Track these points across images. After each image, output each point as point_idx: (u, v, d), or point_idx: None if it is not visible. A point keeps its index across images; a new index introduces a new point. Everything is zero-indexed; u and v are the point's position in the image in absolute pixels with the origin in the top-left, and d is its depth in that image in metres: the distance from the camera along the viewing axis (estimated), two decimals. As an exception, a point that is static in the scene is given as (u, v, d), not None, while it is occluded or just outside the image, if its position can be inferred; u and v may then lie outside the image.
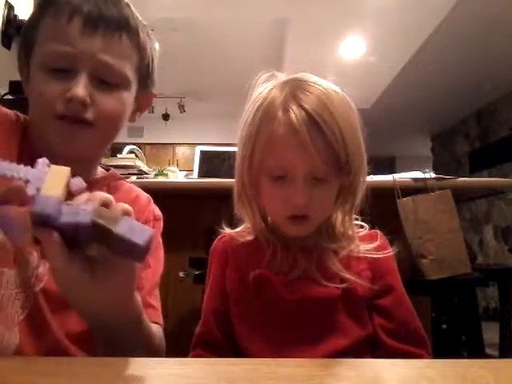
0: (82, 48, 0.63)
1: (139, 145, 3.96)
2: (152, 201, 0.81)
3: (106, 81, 0.66)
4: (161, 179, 2.03)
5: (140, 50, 0.70)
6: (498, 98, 4.93)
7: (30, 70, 0.67)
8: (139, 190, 0.82)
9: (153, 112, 5.78)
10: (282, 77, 0.68)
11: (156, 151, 6.67)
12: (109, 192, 0.73)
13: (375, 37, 3.88)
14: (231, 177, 0.70)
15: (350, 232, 0.69)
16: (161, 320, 0.72)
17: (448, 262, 1.52)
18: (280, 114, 0.62)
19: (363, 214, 0.71)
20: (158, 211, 0.80)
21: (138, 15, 0.70)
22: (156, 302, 0.73)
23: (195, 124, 6.36)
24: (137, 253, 0.44)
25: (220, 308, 0.69)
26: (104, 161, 1.91)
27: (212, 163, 2.13)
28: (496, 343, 2.16)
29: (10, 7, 2.50)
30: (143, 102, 0.79)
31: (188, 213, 1.99)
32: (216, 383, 0.41)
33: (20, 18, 2.51)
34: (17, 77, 0.73)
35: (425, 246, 1.53)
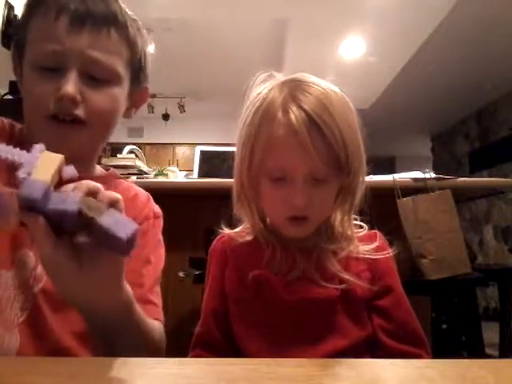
0: (69, 45, 0.63)
1: (139, 145, 3.97)
2: (151, 198, 0.81)
3: (96, 77, 0.66)
4: (161, 179, 2.03)
5: (130, 44, 0.69)
6: (497, 98, 4.93)
7: (23, 69, 0.68)
8: (138, 188, 0.82)
9: (153, 112, 5.79)
10: (280, 77, 0.68)
11: (156, 151, 6.68)
12: (107, 189, 0.74)
13: (375, 37, 3.88)
14: (231, 177, 0.70)
15: (349, 232, 0.69)
16: (161, 316, 0.71)
17: (448, 262, 1.52)
18: (280, 115, 0.62)
19: (363, 214, 0.71)
20: (157, 208, 0.80)
21: (126, 10, 0.70)
22: (157, 298, 0.72)
23: (195, 124, 6.37)
24: (120, 246, 0.44)
25: (219, 308, 0.68)
26: (104, 161, 1.92)
27: (212, 163, 2.13)
28: (496, 343, 2.16)
29: (9, 7, 2.50)
30: (138, 97, 0.78)
31: (188, 213, 1.99)
32: (216, 383, 0.41)
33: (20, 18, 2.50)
34: (17, 77, 0.73)
35: (425, 246, 1.53)
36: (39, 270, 0.63)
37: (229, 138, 0.71)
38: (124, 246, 0.44)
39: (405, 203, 1.58)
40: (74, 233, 0.46)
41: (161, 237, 0.79)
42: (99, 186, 0.48)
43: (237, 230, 0.73)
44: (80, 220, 0.43)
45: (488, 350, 2.05)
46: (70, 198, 0.43)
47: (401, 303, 0.67)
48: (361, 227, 0.72)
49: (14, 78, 0.73)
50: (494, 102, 5.05)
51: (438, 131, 6.43)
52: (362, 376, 0.43)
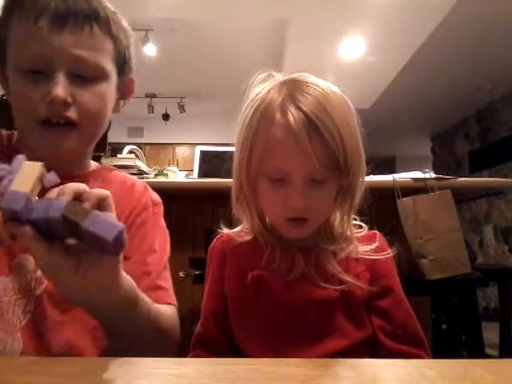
0: (53, 46, 0.62)
1: (139, 145, 3.97)
2: (148, 187, 0.81)
3: (84, 76, 0.65)
4: (161, 179, 2.03)
5: (113, 38, 0.69)
6: (497, 98, 4.93)
7: (6, 72, 0.67)
8: (134, 178, 0.82)
9: (153, 112, 5.79)
10: (280, 77, 0.68)
11: (156, 151, 6.67)
12: (103, 184, 0.74)
13: (375, 37, 3.88)
14: (231, 177, 0.70)
15: (349, 233, 0.69)
16: (173, 300, 0.71)
17: (448, 262, 1.52)
18: (278, 116, 0.61)
19: (362, 214, 0.71)
20: (155, 196, 0.80)
21: (106, 4, 0.69)
22: (166, 283, 0.72)
23: (195, 124, 6.36)
24: (107, 247, 0.44)
25: (219, 308, 0.68)
26: (104, 161, 1.91)
27: (212, 163, 2.13)
28: (496, 343, 2.16)
29: None
30: (125, 89, 0.77)
31: (188, 213, 1.99)
32: (216, 383, 0.41)
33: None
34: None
35: (425, 246, 1.53)
36: (40, 272, 0.63)
37: (229, 138, 0.71)
38: (111, 247, 0.44)
39: (405, 203, 1.58)
40: (64, 237, 0.46)
41: (163, 223, 0.78)
42: (84, 186, 0.48)
43: (236, 229, 0.73)
44: (66, 225, 0.44)
45: (488, 350, 2.05)
46: (54, 205, 0.44)
47: (400, 304, 0.67)
48: (360, 227, 0.72)
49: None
50: (493, 102, 5.05)
51: (438, 131, 6.43)
52: (362, 376, 0.43)
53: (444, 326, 2.15)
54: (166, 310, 0.67)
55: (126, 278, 0.54)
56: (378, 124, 4.58)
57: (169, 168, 2.24)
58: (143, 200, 0.77)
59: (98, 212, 0.45)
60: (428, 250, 1.53)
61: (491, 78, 4.39)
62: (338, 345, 0.62)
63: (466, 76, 4.36)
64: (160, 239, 0.75)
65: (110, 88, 0.70)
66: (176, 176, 2.17)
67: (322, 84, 0.64)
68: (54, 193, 0.46)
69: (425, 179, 1.67)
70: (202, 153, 2.18)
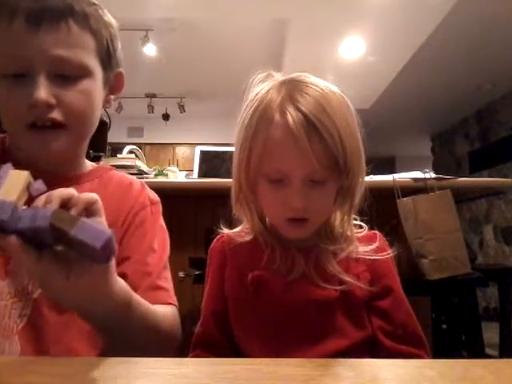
0: (30, 48, 0.61)
1: (139, 145, 3.97)
2: (146, 186, 0.80)
3: (66, 75, 0.63)
4: (161, 179, 2.03)
5: (93, 33, 0.66)
6: (497, 98, 4.92)
7: None
8: (132, 177, 0.81)
9: (153, 112, 5.79)
10: (279, 77, 0.67)
11: (156, 151, 6.67)
12: (101, 184, 0.74)
13: (375, 37, 3.88)
14: (231, 177, 0.70)
15: (349, 233, 0.69)
16: (174, 300, 0.71)
17: (448, 262, 1.52)
18: (277, 116, 0.61)
19: (362, 214, 0.71)
20: (153, 195, 0.79)
21: None
22: (166, 283, 0.72)
23: (195, 124, 6.36)
24: (96, 255, 0.44)
25: (219, 308, 0.68)
26: (104, 161, 1.91)
27: (212, 163, 2.13)
28: (496, 343, 2.16)
29: None
30: (114, 84, 0.75)
31: (188, 213, 1.99)
32: (216, 383, 0.41)
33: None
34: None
35: (425, 246, 1.53)
36: None
37: (229, 138, 0.71)
38: (100, 255, 0.44)
39: (405, 203, 1.58)
40: (53, 245, 0.46)
41: (162, 222, 0.78)
42: (72, 191, 0.48)
43: (236, 229, 0.73)
44: (54, 233, 0.43)
45: (488, 350, 2.05)
46: (41, 214, 0.43)
47: (400, 304, 0.67)
48: (361, 227, 0.72)
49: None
50: (493, 102, 5.04)
51: (438, 131, 6.43)
52: (362, 376, 0.43)
53: (444, 326, 2.15)
54: (166, 311, 0.66)
55: (119, 282, 0.54)
56: (378, 124, 4.57)
57: (169, 168, 2.24)
58: (141, 199, 0.76)
59: (85, 219, 0.44)
60: (428, 249, 1.53)
61: (491, 77, 4.39)
62: (338, 345, 0.62)
63: (466, 76, 4.36)
64: (159, 238, 0.74)
65: (95, 85, 0.68)
66: (176, 176, 2.17)
67: (322, 84, 0.64)
68: (40, 200, 0.46)
69: (425, 179, 1.67)
70: (202, 153, 2.18)
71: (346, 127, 0.61)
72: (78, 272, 0.47)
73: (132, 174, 1.90)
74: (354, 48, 4.10)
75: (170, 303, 0.69)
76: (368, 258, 0.67)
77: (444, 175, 1.72)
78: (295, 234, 0.65)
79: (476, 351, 1.67)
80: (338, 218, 0.70)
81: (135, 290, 0.65)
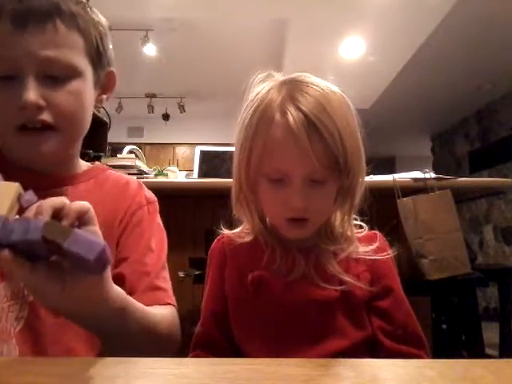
0: (18, 49, 0.60)
1: (139, 145, 3.96)
2: (143, 186, 0.80)
3: (55, 76, 0.63)
4: (161, 179, 2.03)
5: (82, 32, 0.65)
6: (497, 98, 4.92)
7: None
8: (128, 176, 0.81)
9: (153, 112, 5.79)
10: (279, 77, 0.67)
11: (156, 151, 6.67)
12: (97, 184, 0.73)
13: (375, 37, 3.88)
14: (231, 177, 0.70)
15: (349, 233, 0.69)
16: (172, 300, 0.70)
17: (448, 262, 1.52)
18: (278, 116, 0.61)
19: (363, 214, 0.71)
20: (150, 194, 0.79)
21: None
22: (165, 283, 0.71)
23: (195, 124, 6.36)
24: (90, 267, 0.44)
25: (219, 309, 0.68)
26: (104, 161, 1.91)
27: (212, 163, 2.13)
28: (496, 343, 2.16)
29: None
30: (105, 83, 0.74)
31: (188, 213, 1.99)
32: (216, 383, 0.41)
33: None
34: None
35: (425, 246, 1.53)
36: None
37: (229, 138, 0.71)
38: (94, 266, 0.43)
39: (405, 203, 1.58)
40: (47, 256, 0.46)
41: (159, 221, 0.77)
42: (63, 201, 0.47)
43: (236, 230, 0.73)
44: (47, 245, 0.43)
45: (488, 350, 2.05)
46: (32, 226, 0.42)
47: (401, 304, 0.67)
48: (361, 227, 0.71)
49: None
50: (493, 102, 5.04)
51: (438, 131, 6.43)
52: (362, 376, 0.43)
53: (444, 326, 2.14)
54: (165, 313, 0.66)
55: (114, 289, 0.53)
56: (378, 124, 4.57)
57: (169, 168, 2.24)
58: (138, 198, 0.76)
59: (78, 231, 0.43)
60: (428, 249, 1.53)
61: (491, 77, 4.39)
62: (338, 345, 0.62)
63: (466, 76, 4.36)
64: (157, 238, 0.74)
65: (85, 85, 0.67)
66: (176, 176, 2.17)
67: (322, 84, 0.64)
68: (31, 211, 0.45)
69: (425, 179, 1.67)
70: (202, 153, 2.18)
71: (347, 127, 0.61)
72: (73, 282, 0.47)
73: (132, 174, 1.91)
74: (354, 48, 4.10)
75: (169, 303, 0.69)
76: (368, 258, 0.67)
77: (444, 175, 1.72)
78: (295, 234, 0.65)
79: (476, 351, 1.67)
80: (338, 218, 0.70)
81: (134, 290, 0.65)
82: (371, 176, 1.57)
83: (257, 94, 0.65)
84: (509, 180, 1.86)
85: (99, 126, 2.22)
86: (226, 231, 0.73)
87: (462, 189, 1.80)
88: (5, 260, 0.43)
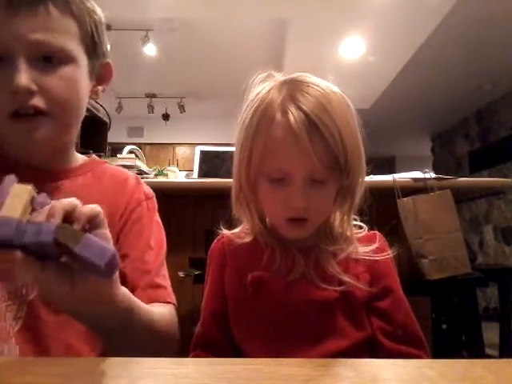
0: (8, 32, 0.59)
1: (139, 145, 3.96)
2: (141, 181, 0.79)
3: (48, 59, 0.62)
4: (161, 179, 2.03)
5: (76, 18, 0.64)
6: (497, 98, 4.92)
7: None
8: (126, 171, 0.80)
9: (153, 112, 5.79)
10: (280, 77, 0.68)
11: (156, 151, 6.67)
12: (94, 178, 0.73)
13: (375, 37, 3.88)
14: (231, 177, 0.70)
15: (349, 233, 0.69)
16: (172, 298, 0.71)
17: (448, 262, 1.52)
18: (278, 116, 0.61)
19: (362, 214, 0.71)
20: (148, 190, 0.79)
21: None
22: (165, 281, 0.72)
23: (195, 124, 6.36)
24: (99, 272, 0.44)
25: (219, 309, 0.68)
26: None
27: (212, 163, 2.13)
28: (496, 343, 2.16)
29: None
30: (101, 74, 0.73)
31: (188, 213, 1.99)
32: (216, 383, 0.41)
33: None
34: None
35: (425, 246, 1.53)
36: None
37: (229, 138, 0.71)
38: (104, 271, 0.44)
39: (405, 203, 1.58)
40: (58, 257, 0.46)
41: (157, 218, 0.77)
42: (74, 203, 0.47)
43: (236, 230, 0.73)
44: (58, 248, 0.43)
45: (488, 350, 2.05)
46: (45, 228, 0.43)
47: (400, 305, 0.67)
48: (361, 228, 0.72)
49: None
50: (493, 102, 5.04)
51: (438, 131, 6.43)
52: (362, 376, 0.43)
53: (444, 326, 2.14)
54: (164, 311, 0.66)
55: (122, 290, 0.54)
56: (378, 124, 4.57)
57: (169, 168, 2.24)
58: (136, 194, 0.75)
59: (89, 235, 0.44)
60: (428, 250, 1.53)
61: (491, 77, 4.39)
62: (337, 345, 0.62)
63: (466, 76, 4.36)
64: (156, 235, 0.74)
65: (79, 72, 0.66)
66: (176, 176, 2.17)
67: (322, 84, 0.64)
68: (43, 214, 0.45)
69: (425, 179, 1.67)
70: (202, 153, 2.18)
71: (347, 127, 0.61)
72: (82, 282, 0.47)
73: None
74: (353, 48, 4.10)
75: (169, 302, 0.69)
76: (368, 258, 0.67)
77: (444, 175, 1.71)
78: (295, 234, 0.65)
79: (476, 351, 1.67)
80: (337, 218, 0.70)
81: (135, 288, 0.65)
82: (371, 176, 1.57)
83: (257, 94, 0.65)
84: (509, 180, 1.86)
85: (99, 126, 2.22)
86: (225, 231, 0.73)
87: (462, 189, 1.80)
88: (17, 260, 0.43)
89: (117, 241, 0.70)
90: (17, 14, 0.59)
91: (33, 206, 0.46)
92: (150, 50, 4.30)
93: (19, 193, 0.45)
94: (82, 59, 0.66)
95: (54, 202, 0.46)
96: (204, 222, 1.85)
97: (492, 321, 2.71)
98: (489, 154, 5.11)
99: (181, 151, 6.74)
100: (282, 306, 0.64)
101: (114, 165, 0.81)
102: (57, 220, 0.45)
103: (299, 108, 0.60)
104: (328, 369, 0.45)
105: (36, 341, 0.61)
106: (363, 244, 0.68)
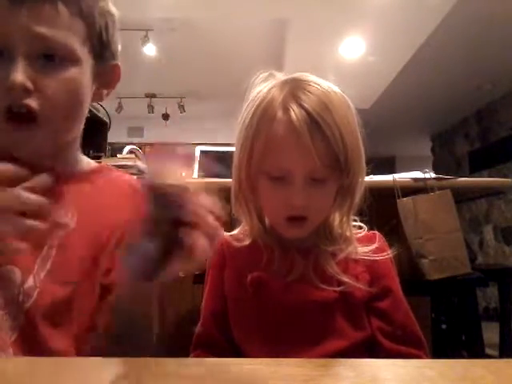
0: (11, 24, 0.56)
1: (139, 145, 3.96)
2: None
3: (49, 57, 0.58)
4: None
5: (84, 18, 0.61)
6: (497, 98, 4.92)
7: None
8: (135, 181, 0.77)
9: (153, 112, 5.79)
10: (281, 76, 0.68)
11: (156, 151, 6.67)
12: (104, 187, 0.71)
13: (375, 37, 3.88)
14: (231, 177, 0.70)
15: (348, 233, 0.69)
16: None
17: (448, 262, 1.52)
18: (280, 113, 0.61)
19: (362, 215, 0.71)
20: None
21: None
22: None
23: (195, 124, 6.36)
24: None
25: (219, 309, 0.68)
26: (104, 161, 1.91)
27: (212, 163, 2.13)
28: (496, 343, 2.16)
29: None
30: (106, 77, 0.69)
31: (188, 213, 1.98)
32: (216, 383, 0.41)
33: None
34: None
35: (425, 246, 1.53)
36: (28, 284, 0.59)
37: (229, 138, 0.71)
38: None
39: (405, 203, 1.58)
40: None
41: None
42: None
43: (234, 232, 0.73)
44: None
45: (488, 350, 2.05)
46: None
47: (400, 305, 0.67)
48: (360, 228, 0.72)
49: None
50: (493, 102, 5.04)
51: (438, 131, 6.43)
52: (362, 376, 0.43)
53: (444, 326, 2.14)
54: None
55: None
56: (378, 124, 4.56)
57: (169, 168, 2.23)
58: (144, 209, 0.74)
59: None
60: (428, 249, 1.53)
61: (491, 77, 4.39)
62: (337, 346, 0.62)
63: (466, 76, 4.36)
64: None
65: (82, 74, 0.62)
66: (176, 176, 2.16)
67: (323, 83, 0.64)
68: None
69: (425, 179, 1.67)
70: (202, 153, 2.18)
71: (348, 126, 0.62)
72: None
73: (132, 174, 1.91)
74: (354, 48, 4.10)
75: None
76: (367, 258, 0.67)
77: (444, 175, 1.71)
78: (294, 234, 0.65)
79: (476, 351, 1.67)
80: (337, 218, 0.70)
81: None
82: (371, 176, 1.56)
83: (258, 93, 0.66)
84: (509, 180, 1.86)
85: (99, 126, 2.22)
86: (225, 233, 0.73)
87: (461, 189, 1.80)
88: None
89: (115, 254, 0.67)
90: (22, 7, 0.56)
91: None
92: (150, 49, 4.30)
93: None
94: (86, 60, 0.63)
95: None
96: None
97: (492, 321, 2.71)
98: (489, 154, 5.11)
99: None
100: (281, 306, 0.64)
101: (118, 169, 0.79)
102: None
103: (301, 106, 0.60)
104: (328, 369, 0.45)
105: (32, 350, 0.59)
106: (363, 244, 0.68)
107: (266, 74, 0.69)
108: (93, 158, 0.78)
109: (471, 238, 5.18)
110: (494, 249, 4.94)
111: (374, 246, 0.68)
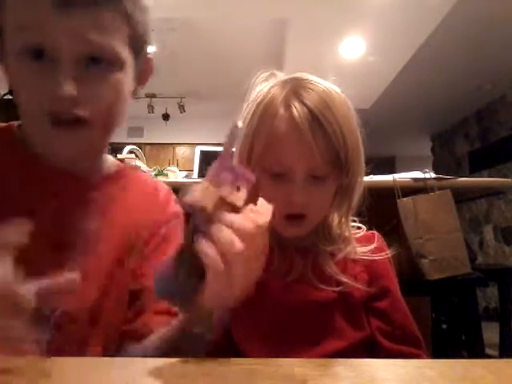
0: (58, 28, 0.54)
1: (139, 145, 3.96)
2: (172, 194, 0.75)
3: (96, 65, 0.57)
4: (161, 179, 2.03)
5: (128, 19, 0.59)
6: (497, 98, 4.92)
7: (6, 59, 0.58)
8: (157, 181, 0.76)
9: (153, 112, 5.79)
10: (282, 76, 0.68)
11: (156, 151, 6.67)
12: (129, 188, 0.70)
13: (375, 37, 3.88)
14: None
15: (347, 233, 0.69)
16: None
17: (448, 262, 1.52)
18: (282, 110, 0.62)
19: (361, 215, 0.71)
20: (178, 207, 0.72)
21: None
22: None
23: (195, 124, 6.36)
24: None
25: (219, 309, 0.68)
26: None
27: (212, 163, 2.13)
28: (496, 343, 2.16)
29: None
30: (142, 72, 0.69)
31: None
32: (216, 383, 0.41)
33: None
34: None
35: (425, 246, 1.53)
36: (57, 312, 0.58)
37: (229, 138, 0.70)
38: None
39: (405, 203, 1.58)
40: None
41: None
42: None
43: None
44: None
45: (488, 350, 2.05)
46: None
47: (398, 305, 0.67)
48: (359, 228, 0.71)
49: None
50: (493, 102, 5.04)
51: (438, 131, 6.43)
52: (362, 376, 0.43)
53: (444, 326, 2.15)
54: None
55: None
56: (378, 124, 4.57)
57: (169, 168, 2.24)
58: (167, 210, 0.71)
59: None
60: (428, 249, 1.53)
61: (491, 77, 4.39)
62: (336, 346, 0.62)
63: (466, 76, 4.36)
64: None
65: (126, 78, 0.62)
66: (176, 176, 2.17)
67: (324, 82, 0.65)
68: None
69: (425, 179, 1.67)
70: (202, 153, 2.18)
71: (348, 125, 0.62)
72: None
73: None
74: (353, 48, 4.10)
75: None
76: (366, 258, 0.67)
77: (444, 175, 1.71)
78: (292, 232, 0.65)
79: (476, 351, 1.67)
80: (336, 218, 0.70)
81: (146, 309, 0.64)
82: (371, 176, 1.57)
83: (259, 92, 0.66)
84: (509, 180, 1.86)
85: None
86: None
87: (462, 189, 1.80)
88: None
89: (144, 258, 0.67)
90: (66, 11, 0.54)
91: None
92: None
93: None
94: (129, 62, 0.62)
95: None
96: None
97: (492, 321, 2.71)
98: (489, 154, 5.11)
99: (181, 151, 6.74)
100: (280, 306, 0.64)
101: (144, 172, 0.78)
102: None
103: (303, 103, 0.60)
104: (328, 369, 0.45)
105: (61, 353, 0.58)
106: (361, 244, 0.68)
107: (267, 73, 0.69)
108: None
109: (471, 238, 5.18)
110: (493, 249, 4.94)
111: (372, 246, 0.68)
